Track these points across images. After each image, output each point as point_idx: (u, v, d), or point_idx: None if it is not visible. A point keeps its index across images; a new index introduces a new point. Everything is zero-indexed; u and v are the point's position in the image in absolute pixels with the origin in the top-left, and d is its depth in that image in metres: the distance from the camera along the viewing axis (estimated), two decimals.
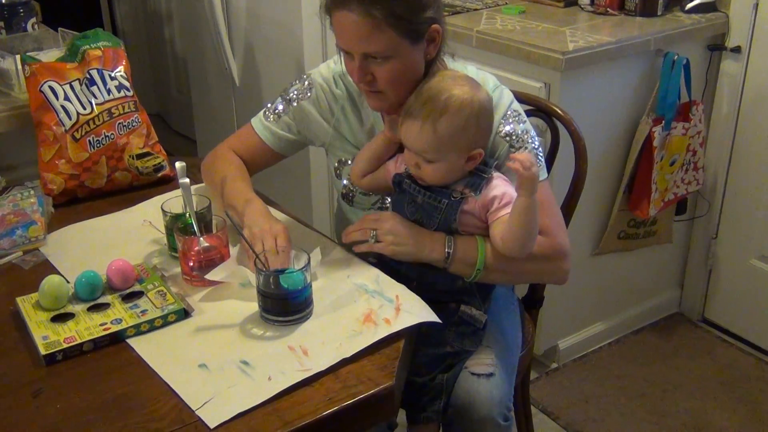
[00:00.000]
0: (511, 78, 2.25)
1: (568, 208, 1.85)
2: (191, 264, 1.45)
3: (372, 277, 1.46)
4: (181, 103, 4.34)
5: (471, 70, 1.60)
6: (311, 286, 1.35)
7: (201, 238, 1.47)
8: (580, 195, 1.85)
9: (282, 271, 1.34)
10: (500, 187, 1.47)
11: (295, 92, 1.67)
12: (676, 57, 2.30)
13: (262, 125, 1.70)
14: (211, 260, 1.45)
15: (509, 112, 1.54)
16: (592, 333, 2.65)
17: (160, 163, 1.85)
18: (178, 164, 1.55)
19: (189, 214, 1.49)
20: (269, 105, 1.70)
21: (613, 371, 2.56)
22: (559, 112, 1.85)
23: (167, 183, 1.87)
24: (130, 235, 1.64)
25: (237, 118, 3.24)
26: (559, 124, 1.87)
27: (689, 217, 2.69)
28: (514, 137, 1.53)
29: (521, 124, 1.55)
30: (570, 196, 1.85)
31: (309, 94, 1.65)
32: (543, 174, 1.56)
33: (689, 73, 2.36)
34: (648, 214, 2.41)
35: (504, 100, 1.55)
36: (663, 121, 2.34)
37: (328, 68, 1.66)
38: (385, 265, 1.52)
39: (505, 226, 1.43)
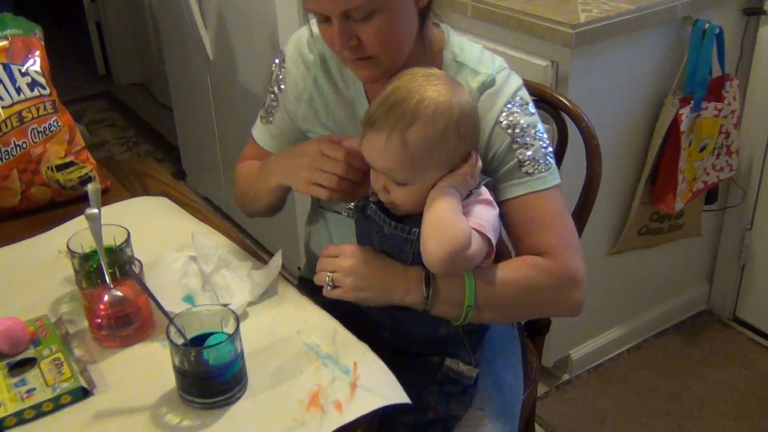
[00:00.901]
0: (513, 55, 1.91)
1: (578, 219, 1.54)
2: (99, 321, 1.15)
3: (328, 333, 1.16)
4: (163, 73, 4.01)
5: (476, 48, 1.30)
6: (243, 356, 1.05)
7: (111, 288, 1.16)
8: (593, 204, 1.53)
9: (202, 340, 1.04)
10: (472, 208, 1.16)
11: (276, 76, 1.39)
12: (707, 25, 1.95)
13: (261, 132, 1.44)
14: (124, 316, 1.15)
15: (517, 99, 1.25)
16: (608, 339, 2.34)
17: (86, 174, 1.54)
18: (90, 187, 1.24)
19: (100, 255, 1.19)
20: (263, 107, 1.43)
21: (632, 384, 2.26)
22: (567, 103, 1.52)
23: None
24: (40, 271, 1.34)
25: (213, 95, 2.92)
26: (567, 118, 1.54)
27: (720, 206, 2.36)
28: (518, 130, 1.23)
29: (527, 116, 1.25)
30: (581, 206, 1.54)
31: (284, 73, 1.37)
32: (554, 179, 1.26)
33: (722, 43, 2.00)
34: (674, 208, 2.09)
35: (511, 84, 1.26)
36: (692, 101, 1.99)
37: (298, 34, 1.37)
38: (353, 308, 1.23)
39: None
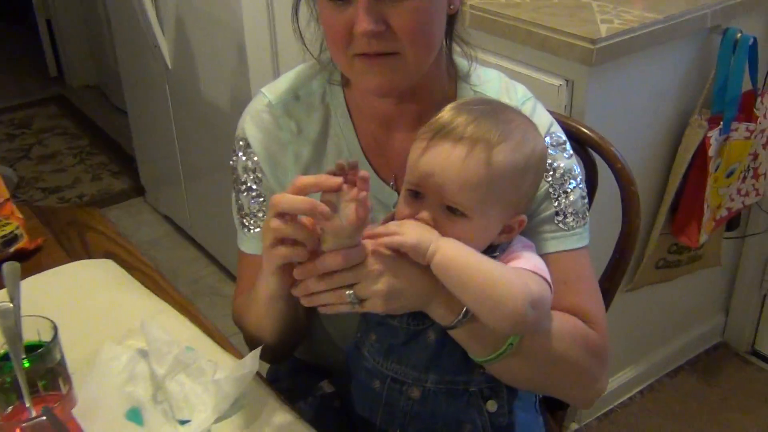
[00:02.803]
0: (520, 72, 1.65)
1: (611, 279, 1.28)
2: None
3: None
4: (120, 75, 3.69)
5: (493, 75, 1.10)
6: None
7: (32, 413, 0.88)
8: (629, 263, 1.28)
9: None
10: (521, 254, 0.95)
11: (245, 166, 1.09)
12: (739, 35, 1.70)
13: (253, 241, 1.10)
14: None
15: (553, 138, 1.05)
16: (619, 382, 2.10)
17: (11, 232, 1.25)
18: (6, 268, 0.97)
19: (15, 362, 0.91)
20: (237, 211, 1.11)
21: None
22: (597, 140, 1.26)
23: (25, 260, 1.27)
24: None
25: (172, 105, 2.62)
26: (595, 154, 1.29)
27: (741, 234, 2.12)
28: (556, 175, 1.03)
29: (566, 159, 1.05)
30: (614, 264, 1.28)
31: (255, 159, 1.08)
32: (587, 235, 1.06)
33: (756, 55, 1.76)
34: (698, 241, 1.85)
35: (541, 117, 1.06)
36: (721, 122, 1.75)
37: (251, 112, 1.10)
38: (361, 401, 1.02)
39: None
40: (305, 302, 0.90)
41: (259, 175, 1.08)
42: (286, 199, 0.85)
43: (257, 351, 0.97)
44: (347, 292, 0.87)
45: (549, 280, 0.92)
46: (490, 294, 0.86)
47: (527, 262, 0.92)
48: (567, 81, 1.59)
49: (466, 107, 0.93)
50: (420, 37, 0.95)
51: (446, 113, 0.92)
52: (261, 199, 1.08)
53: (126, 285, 1.18)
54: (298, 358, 1.26)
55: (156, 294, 1.17)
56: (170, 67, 2.49)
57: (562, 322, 0.98)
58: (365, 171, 0.86)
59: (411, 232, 0.87)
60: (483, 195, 0.89)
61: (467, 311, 0.90)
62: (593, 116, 1.60)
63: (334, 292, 0.87)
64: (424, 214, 0.90)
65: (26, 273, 1.20)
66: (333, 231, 0.83)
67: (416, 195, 0.92)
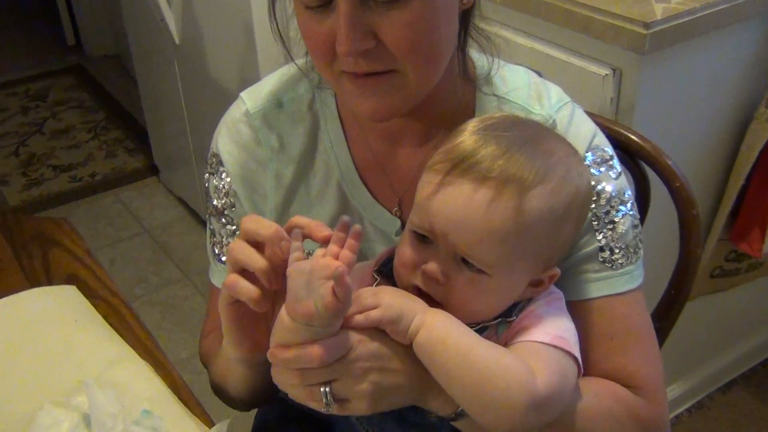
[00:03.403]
0: (558, 58, 1.43)
1: (665, 317, 1.08)
2: None
3: None
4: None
5: (520, 74, 0.88)
6: None
7: None
8: (686, 299, 1.07)
9: None
10: (540, 317, 0.75)
11: (217, 189, 0.91)
12: None
13: (223, 274, 0.90)
14: None
15: (597, 152, 0.85)
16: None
17: None
18: None
19: None
20: (209, 237, 0.94)
21: None
22: (650, 151, 1.04)
23: None
24: None
25: (181, 82, 2.43)
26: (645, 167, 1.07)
27: None
28: (602, 201, 0.83)
29: (614, 179, 0.84)
30: (668, 300, 1.07)
31: (228, 182, 0.90)
32: (641, 273, 0.86)
33: None
34: (761, 250, 1.62)
35: (579, 126, 0.86)
36: None
37: (228, 122, 0.92)
38: None
39: None
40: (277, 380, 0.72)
41: (232, 199, 0.89)
42: (254, 219, 0.71)
43: (224, 425, 0.79)
44: (322, 389, 0.68)
45: (575, 352, 0.73)
46: (481, 391, 0.67)
47: (545, 332, 0.72)
48: (614, 70, 1.36)
49: (493, 132, 0.72)
50: (420, 51, 0.74)
51: (468, 139, 0.72)
52: (233, 228, 0.90)
53: (84, 321, 1.00)
54: (290, 404, 1.08)
55: (119, 331, 0.99)
56: (178, 42, 2.30)
57: (599, 398, 0.79)
58: (358, 226, 0.67)
59: (391, 303, 0.68)
60: (509, 249, 0.70)
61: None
62: (644, 111, 1.38)
63: (305, 387, 0.68)
64: (432, 266, 0.71)
65: None
66: (304, 317, 0.64)
67: (424, 238, 0.72)
